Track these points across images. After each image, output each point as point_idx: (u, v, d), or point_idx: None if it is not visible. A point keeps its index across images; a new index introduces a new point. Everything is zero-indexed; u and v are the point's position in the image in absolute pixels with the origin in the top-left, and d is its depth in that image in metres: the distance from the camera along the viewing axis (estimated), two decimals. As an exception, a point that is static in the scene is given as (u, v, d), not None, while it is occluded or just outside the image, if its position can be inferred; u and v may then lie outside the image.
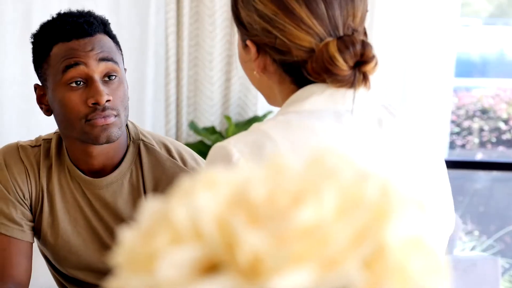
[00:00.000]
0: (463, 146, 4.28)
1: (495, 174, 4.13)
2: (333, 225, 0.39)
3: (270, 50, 1.01)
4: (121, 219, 1.48)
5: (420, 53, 3.29)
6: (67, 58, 1.39)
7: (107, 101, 1.38)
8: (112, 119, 1.39)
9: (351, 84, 0.97)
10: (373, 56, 0.98)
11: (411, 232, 0.40)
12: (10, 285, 1.42)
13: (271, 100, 1.10)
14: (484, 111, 4.25)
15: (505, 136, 4.27)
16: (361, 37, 1.00)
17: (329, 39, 0.97)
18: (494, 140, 4.26)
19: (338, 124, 0.99)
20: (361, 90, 1.00)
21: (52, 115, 1.47)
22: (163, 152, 1.50)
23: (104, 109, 1.37)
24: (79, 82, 1.39)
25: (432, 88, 3.32)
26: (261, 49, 1.02)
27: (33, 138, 1.54)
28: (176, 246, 0.40)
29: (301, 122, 0.99)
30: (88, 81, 1.39)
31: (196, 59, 3.35)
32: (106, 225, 1.49)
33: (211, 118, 3.34)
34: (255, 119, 3.32)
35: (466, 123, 4.28)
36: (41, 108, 1.48)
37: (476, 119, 4.27)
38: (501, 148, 4.27)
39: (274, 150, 0.96)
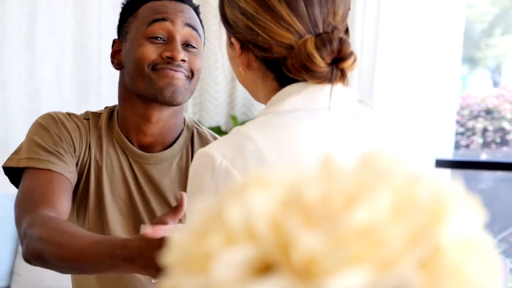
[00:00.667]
0: (467, 146, 4.28)
1: (500, 174, 4.13)
2: (388, 226, 0.39)
3: (252, 47, 1.04)
4: (162, 198, 1.48)
5: (426, 54, 3.29)
6: (156, 13, 1.42)
7: (182, 60, 1.39)
8: (182, 76, 1.40)
9: (329, 80, 0.99)
10: (351, 53, 0.99)
11: (465, 233, 0.40)
12: (53, 211, 1.35)
13: (255, 96, 1.13)
14: (488, 111, 4.25)
15: (510, 136, 4.27)
16: (341, 35, 1.01)
17: (307, 36, 0.99)
18: (498, 140, 4.26)
19: (316, 121, 1.01)
20: (339, 87, 1.02)
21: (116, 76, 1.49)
22: None
23: (177, 65, 1.39)
24: (160, 39, 1.40)
25: (437, 89, 3.32)
26: (244, 46, 1.05)
27: None
28: (230, 247, 0.40)
29: (280, 121, 1.01)
30: (169, 39, 1.41)
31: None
32: (146, 200, 1.48)
33: (216, 118, 3.34)
34: (261, 119, 3.33)
35: (470, 123, 4.28)
36: (112, 62, 1.49)
37: (480, 119, 4.27)
38: (505, 148, 4.27)
39: (255, 149, 0.98)
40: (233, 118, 3.28)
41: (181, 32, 1.41)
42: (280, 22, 1.00)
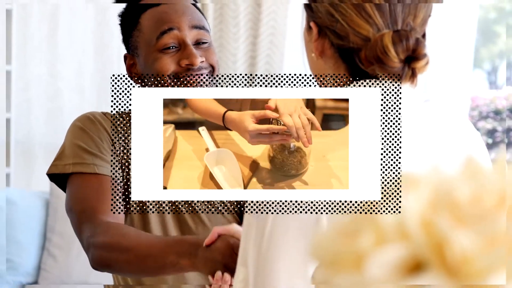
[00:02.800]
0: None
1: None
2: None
3: (330, 33, 1.05)
4: None
5: (438, 55, 3.30)
6: (161, 23, 1.42)
7: (201, 62, 1.41)
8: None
9: (399, 77, 1.00)
10: (425, 55, 1.00)
11: None
12: (111, 216, 1.34)
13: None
14: (497, 112, 4.25)
15: (519, 137, 4.27)
16: (418, 36, 1.02)
17: (386, 30, 1.01)
18: (507, 141, 4.26)
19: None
20: (407, 87, 1.02)
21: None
22: None
23: (198, 69, 1.40)
24: (172, 47, 1.41)
25: (449, 90, 3.33)
26: (322, 31, 1.06)
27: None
28: (382, 246, 0.41)
29: None
30: (181, 45, 1.42)
31: (220, 61, 3.36)
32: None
33: (235, 118, 3.35)
34: (279, 120, 3.33)
35: (479, 124, 4.28)
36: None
37: (489, 120, 4.27)
38: (516, 149, 4.27)
39: None
40: (252, 119, 3.29)
41: (190, 36, 1.42)
42: (361, 12, 1.01)
